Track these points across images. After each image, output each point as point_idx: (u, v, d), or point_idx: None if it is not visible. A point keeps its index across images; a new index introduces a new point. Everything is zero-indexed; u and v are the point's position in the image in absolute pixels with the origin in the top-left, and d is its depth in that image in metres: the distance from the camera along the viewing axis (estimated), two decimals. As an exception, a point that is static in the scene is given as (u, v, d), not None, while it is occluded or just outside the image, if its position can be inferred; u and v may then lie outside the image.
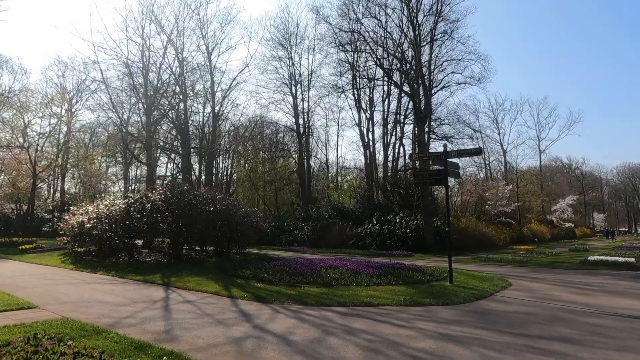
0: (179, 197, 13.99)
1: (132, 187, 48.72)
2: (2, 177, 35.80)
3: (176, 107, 27.72)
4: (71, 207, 17.44)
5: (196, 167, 43.21)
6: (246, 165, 43.79)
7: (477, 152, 10.08)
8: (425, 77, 26.11)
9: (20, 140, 36.57)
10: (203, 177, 38.81)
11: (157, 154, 44.80)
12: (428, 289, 9.21)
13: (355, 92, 37.61)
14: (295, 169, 39.89)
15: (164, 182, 27.87)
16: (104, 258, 14.64)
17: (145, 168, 33.07)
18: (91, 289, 9.32)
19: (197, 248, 16.77)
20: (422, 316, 6.80)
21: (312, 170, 43.70)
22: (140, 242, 16.52)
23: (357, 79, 35.43)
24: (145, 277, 10.95)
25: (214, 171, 46.31)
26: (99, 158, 49.69)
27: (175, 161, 40.44)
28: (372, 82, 36.17)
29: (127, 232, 13.86)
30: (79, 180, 48.12)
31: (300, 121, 39.87)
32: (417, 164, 18.28)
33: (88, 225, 14.54)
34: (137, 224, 13.87)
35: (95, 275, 11.88)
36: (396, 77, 32.15)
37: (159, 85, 19.03)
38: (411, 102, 29.11)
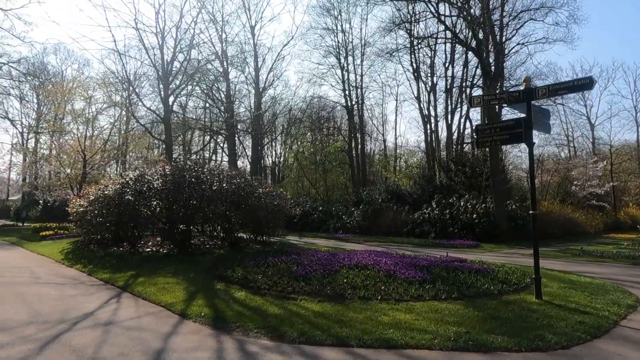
0: (178, 175, 11.41)
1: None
2: (58, 163, 36.56)
3: (212, 84, 25.51)
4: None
5: (249, 152, 41.65)
6: (300, 147, 41.10)
7: (587, 83, 5.96)
8: (496, 30, 21.39)
9: (78, 127, 37.17)
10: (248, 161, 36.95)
11: (200, 135, 43.57)
12: (500, 309, 5.65)
13: (413, 61, 33.20)
14: (346, 150, 36.51)
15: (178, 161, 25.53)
16: (105, 247, 12.58)
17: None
18: (21, 294, 6.91)
19: (221, 235, 14.29)
20: (486, 386, 3.40)
21: (366, 151, 40.07)
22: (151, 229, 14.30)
23: (414, 42, 30.84)
24: (113, 275, 8.45)
25: (268, 156, 44.53)
26: (160, 143, 49.82)
27: (220, 144, 38.85)
28: (434, 43, 31.27)
29: (119, 218, 11.52)
30: (140, 167, 48.67)
31: (353, 97, 36.32)
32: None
33: (80, 209, 12.50)
34: (134, 207, 11.47)
35: (68, 270, 9.65)
36: (462, 35, 27.35)
37: (176, 53, 16.70)
38: (479, 68, 24.57)
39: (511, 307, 5.70)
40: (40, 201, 38.15)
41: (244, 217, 12.30)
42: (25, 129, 47.71)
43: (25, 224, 32.02)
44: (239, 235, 13.38)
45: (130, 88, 22.24)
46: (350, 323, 4.94)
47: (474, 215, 19.53)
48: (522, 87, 6.45)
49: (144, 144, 42.81)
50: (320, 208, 28.13)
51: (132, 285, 7.37)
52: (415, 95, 34.23)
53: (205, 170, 12.32)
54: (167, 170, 11.73)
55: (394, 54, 30.20)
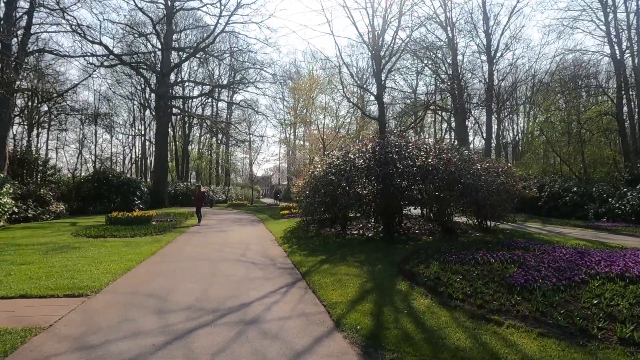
0: (380, 152, 10.22)
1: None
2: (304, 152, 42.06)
3: (436, 56, 23.50)
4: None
5: (484, 128, 37.78)
6: (547, 115, 34.28)
7: None
8: None
9: (318, 117, 41.88)
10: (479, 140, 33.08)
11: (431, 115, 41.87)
12: None
13: None
14: (613, 113, 28.04)
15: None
16: (321, 228, 12.68)
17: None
18: (214, 273, 6.99)
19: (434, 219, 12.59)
20: None
21: (646, 113, 30.02)
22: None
23: None
24: (305, 258, 7.97)
25: (507, 131, 39.41)
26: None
27: (450, 123, 36.21)
28: None
29: (324, 198, 11.18)
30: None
31: (624, 42, 27.52)
32: None
33: (296, 190, 12.88)
34: (337, 187, 10.94)
35: (275, 249, 9.81)
36: None
37: (387, 23, 15.43)
38: None
39: None
40: (296, 184, 44.99)
41: (457, 198, 10.17)
42: (283, 124, 56.76)
43: (281, 204, 37.81)
44: (453, 219, 11.30)
45: (343, 69, 22.59)
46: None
47: None
48: None
49: (373, 128, 44.42)
50: (575, 189, 22.37)
51: (312, 273, 6.57)
52: None
53: (409, 145, 10.71)
54: (369, 147, 10.73)
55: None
